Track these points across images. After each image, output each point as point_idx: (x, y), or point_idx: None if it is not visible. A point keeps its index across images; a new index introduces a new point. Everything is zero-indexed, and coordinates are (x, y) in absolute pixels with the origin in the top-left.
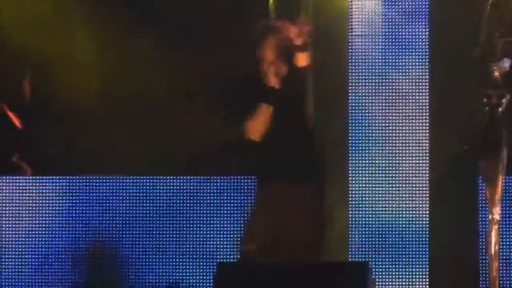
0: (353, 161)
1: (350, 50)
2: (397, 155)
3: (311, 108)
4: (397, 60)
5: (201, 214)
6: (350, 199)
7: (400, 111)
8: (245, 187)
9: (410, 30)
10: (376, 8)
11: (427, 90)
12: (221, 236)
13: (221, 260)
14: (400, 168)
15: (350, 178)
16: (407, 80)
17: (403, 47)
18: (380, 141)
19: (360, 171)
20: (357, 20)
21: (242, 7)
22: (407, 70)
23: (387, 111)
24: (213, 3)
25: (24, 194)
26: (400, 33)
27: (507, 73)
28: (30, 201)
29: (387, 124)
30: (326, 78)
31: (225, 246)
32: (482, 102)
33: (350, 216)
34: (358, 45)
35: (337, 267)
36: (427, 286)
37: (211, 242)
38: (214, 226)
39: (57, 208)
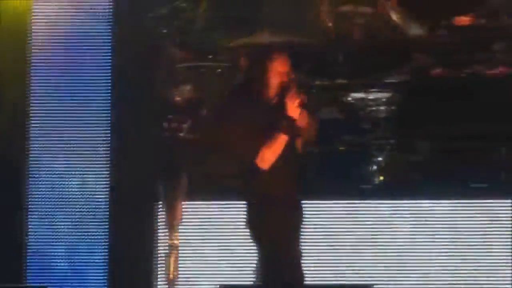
0: (32, 187)
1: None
2: (75, 177)
3: None
4: (79, 73)
5: None
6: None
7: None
8: None
9: (93, 46)
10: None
11: (108, 111)
12: None
13: None
14: (80, 193)
15: (29, 205)
16: (89, 95)
17: (85, 63)
18: (60, 162)
19: (39, 198)
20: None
21: None
22: (89, 84)
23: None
24: None
25: None
26: (83, 52)
27: (187, 98)
28: None
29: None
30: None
31: None
32: (163, 126)
33: (27, 240)
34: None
35: None
36: None
37: None
38: None
39: None
